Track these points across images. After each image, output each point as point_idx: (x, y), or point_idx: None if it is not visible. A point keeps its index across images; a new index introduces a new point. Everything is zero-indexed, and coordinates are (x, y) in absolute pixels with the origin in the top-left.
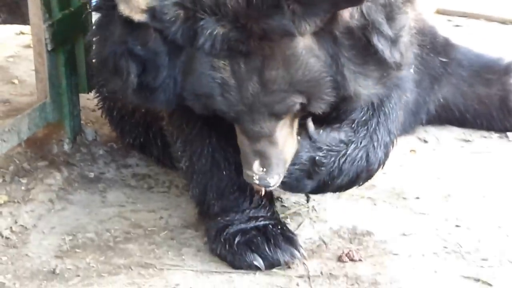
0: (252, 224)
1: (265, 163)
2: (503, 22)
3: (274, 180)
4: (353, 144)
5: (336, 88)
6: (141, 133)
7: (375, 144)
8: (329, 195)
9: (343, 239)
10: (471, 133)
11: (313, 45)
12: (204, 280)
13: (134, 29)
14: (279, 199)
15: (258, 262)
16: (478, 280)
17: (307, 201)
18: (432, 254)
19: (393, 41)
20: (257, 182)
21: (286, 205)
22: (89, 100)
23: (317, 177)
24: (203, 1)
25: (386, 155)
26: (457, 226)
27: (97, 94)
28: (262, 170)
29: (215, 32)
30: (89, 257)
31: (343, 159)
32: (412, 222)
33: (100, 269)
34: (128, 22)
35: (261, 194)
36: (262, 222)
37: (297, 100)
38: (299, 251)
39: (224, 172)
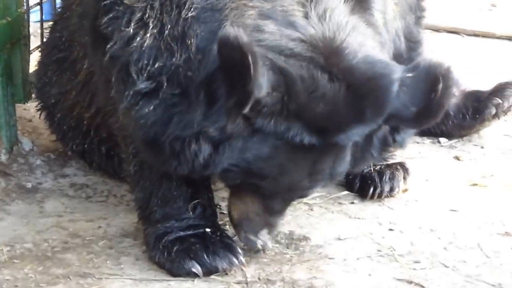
0: (191, 231)
1: (272, 229)
2: (437, 30)
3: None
4: None
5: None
6: (84, 140)
7: None
8: None
9: (280, 244)
10: None
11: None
12: None
13: (212, 113)
14: (218, 206)
15: (196, 269)
16: (411, 282)
17: None
18: (366, 258)
19: None
20: (260, 247)
21: (225, 212)
22: (25, 110)
23: None
24: (300, 102)
25: None
26: (390, 230)
27: (38, 102)
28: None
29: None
30: (27, 267)
31: None
32: (347, 227)
33: (38, 279)
34: (204, 106)
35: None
36: (201, 230)
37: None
38: (237, 258)
39: (174, 183)
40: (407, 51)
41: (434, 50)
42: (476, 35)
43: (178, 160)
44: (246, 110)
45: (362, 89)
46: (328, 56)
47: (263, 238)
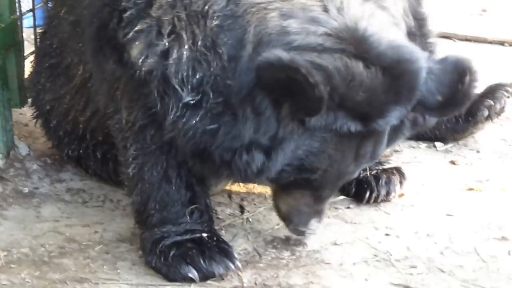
0: (187, 236)
1: (321, 216)
2: None
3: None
4: None
5: None
6: (80, 145)
7: None
8: (262, 207)
9: (277, 249)
10: (400, 143)
11: None
12: None
13: (261, 125)
14: (214, 211)
15: (193, 274)
16: (407, 287)
17: (242, 212)
18: (362, 263)
19: None
20: (310, 236)
21: (221, 217)
22: (21, 114)
23: None
24: (341, 93)
25: None
26: (386, 234)
27: (33, 110)
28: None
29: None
30: (24, 272)
31: None
32: (343, 232)
33: (35, 284)
34: (253, 120)
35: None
36: (198, 235)
37: None
38: (233, 263)
39: (173, 187)
40: (418, 28)
41: None
42: (467, 39)
43: (229, 169)
44: (323, 112)
45: (396, 71)
46: (357, 45)
47: (312, 227)
